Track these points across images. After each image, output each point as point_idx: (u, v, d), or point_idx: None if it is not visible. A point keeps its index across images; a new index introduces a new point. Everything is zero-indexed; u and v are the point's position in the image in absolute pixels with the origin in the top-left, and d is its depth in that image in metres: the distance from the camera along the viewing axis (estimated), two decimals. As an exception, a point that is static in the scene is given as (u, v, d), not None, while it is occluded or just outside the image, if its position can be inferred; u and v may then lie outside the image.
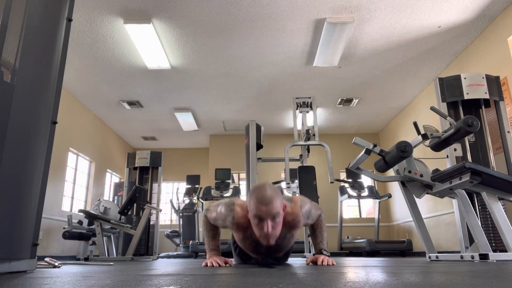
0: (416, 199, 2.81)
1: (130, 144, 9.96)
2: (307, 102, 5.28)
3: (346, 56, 5.61)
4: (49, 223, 6.04)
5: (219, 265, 1.90)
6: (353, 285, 0.77)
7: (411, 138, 7.17)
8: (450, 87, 3.29)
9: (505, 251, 2.69)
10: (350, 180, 7.24)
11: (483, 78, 3.25)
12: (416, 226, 2.80)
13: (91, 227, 5.61)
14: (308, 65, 5.87)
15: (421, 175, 2.66)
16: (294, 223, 1.91)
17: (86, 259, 4.37)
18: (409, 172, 2.67)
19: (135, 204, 5.44)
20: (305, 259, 3.88)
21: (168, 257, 6.97)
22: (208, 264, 1.92)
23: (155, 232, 5.48)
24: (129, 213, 5.36)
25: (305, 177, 4.54)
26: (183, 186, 9.98)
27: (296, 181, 6.91)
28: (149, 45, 5.14)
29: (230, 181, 7.10)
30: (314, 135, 4.97)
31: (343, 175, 8.90)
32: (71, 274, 1.35)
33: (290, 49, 5.41)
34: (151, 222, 5.58)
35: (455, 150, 3.14)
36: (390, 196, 7.07)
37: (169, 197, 9.69)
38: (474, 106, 3.32)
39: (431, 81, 6.45)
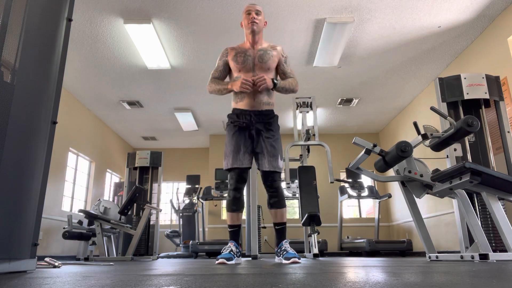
0: (416, 199, 2.81)
1: (130, 144, 9.96)
2: (307, 102, 5.29)
3: (346, 56, 5.61)
4: (49, 223, 6.04)
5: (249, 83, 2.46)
6: (353, 285, 0.77)
7: (411, 138, 7.17)
8: (450, 87, 3.29)
9: (505, 251, 2.70)
10: (350, 180, 7.24)
11: (483, 78, 3.25)
12: (416, 226, 2.80)
13: (91, 227, 5.62)
14: (308, 65, 5.87)
15: (421, 175, 2.66)
16: (274, 46, 2.67)
17: (86, 259, 4.37)
18: (409, 172, 2.67)
19: (135, 204, 5.44)
20: (305, 259, 3.88)
21: (168, 257, 6.96)
22: (244, 87, 2.43)
23: (155, 232, 5.48)
24: (129, 213, 5.36)
25: (305, 177, 4.54)
26: (183, 186, 9.99)
27: (296, 181, 6.91)
28: (149, 45, 5.15)
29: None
30: (314, 135, 4.98)
31: (343, 175, 8.90)
32: (71, 274, 1.35)
33: (290, 49, 5.41)
34: (151, 222, 5.58)
35: (455, 150, 3.14)
36: (390, 196, 7.07)
37: (169, 197, 9.69)
38: (474, 106, 3.32)
39: (431, 81, 6.45)
